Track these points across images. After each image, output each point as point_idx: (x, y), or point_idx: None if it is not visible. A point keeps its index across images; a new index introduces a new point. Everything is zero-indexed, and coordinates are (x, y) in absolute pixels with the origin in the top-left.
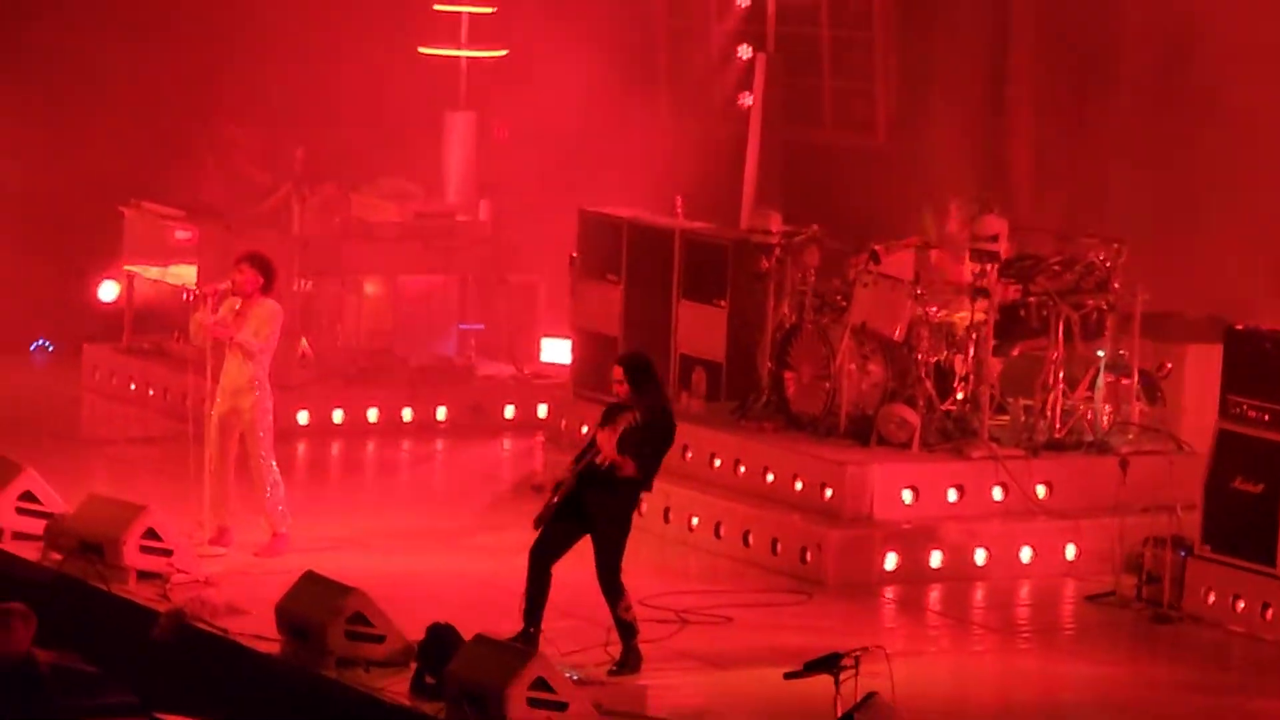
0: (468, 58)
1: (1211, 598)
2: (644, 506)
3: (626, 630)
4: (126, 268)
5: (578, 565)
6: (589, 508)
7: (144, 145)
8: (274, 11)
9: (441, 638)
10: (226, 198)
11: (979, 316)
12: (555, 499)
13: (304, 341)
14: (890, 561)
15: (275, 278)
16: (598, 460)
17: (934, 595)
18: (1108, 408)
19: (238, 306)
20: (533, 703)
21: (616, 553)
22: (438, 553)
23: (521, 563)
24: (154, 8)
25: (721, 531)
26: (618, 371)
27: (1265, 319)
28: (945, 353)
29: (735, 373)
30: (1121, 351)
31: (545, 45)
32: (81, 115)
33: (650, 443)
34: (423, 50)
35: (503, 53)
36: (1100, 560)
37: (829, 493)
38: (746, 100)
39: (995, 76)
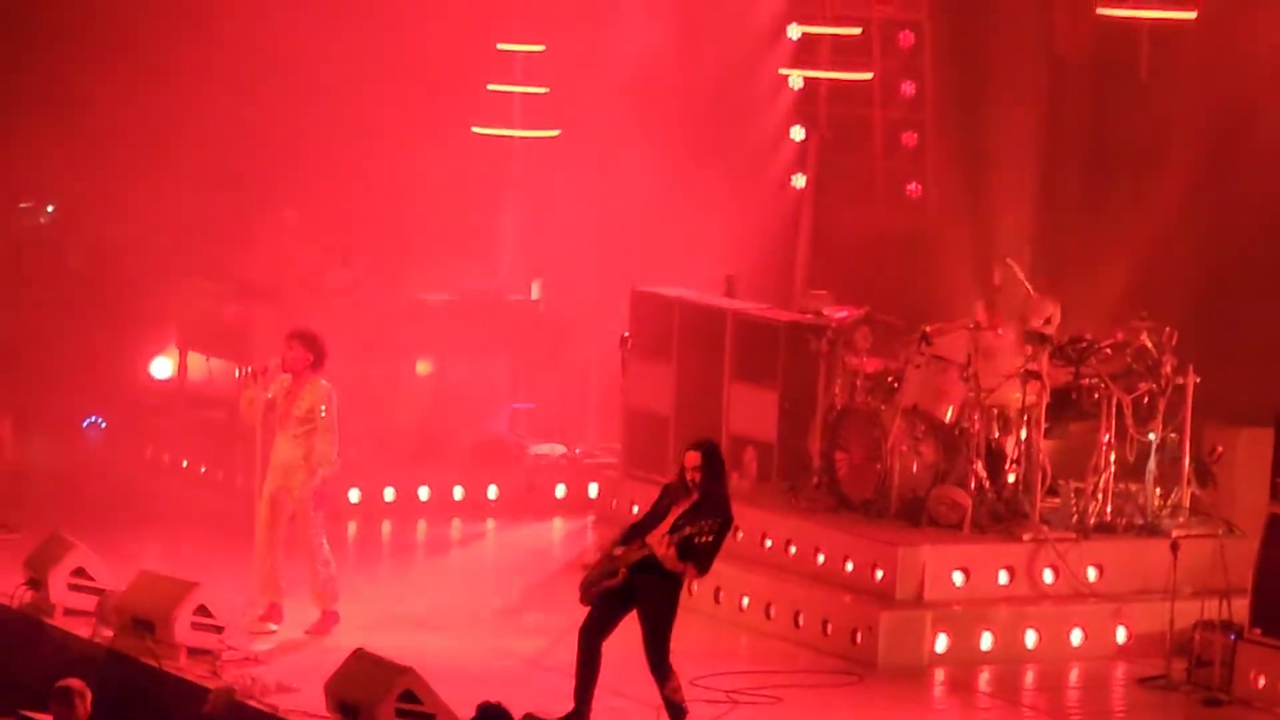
0: (521, 137)
1: (1261, 681)
2: (694, 587)
3: (675, 711)
4: (178, 345)
5: (629, 643)
6: (638, 589)
7: (199, 223)
8: (333, 90)
9: (491, 717)
10: (275, 278)
11: (1031, 399)
12: (604, 583)
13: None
14: (941, 643)
15: (325, 355)
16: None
17: (984, 677)
18: (1159, 491)
19: (288, 384)
20: None
21: (665, 634)
22: (488, 632)
23: (572, 643)
24: (217, 87)
25: (772, 612)
26: (695, 458)
27: None
28: (997, 435)
29: (786, 453)
30: (1173, 434)
31: (598, 125)
32: (139, 191)
33: (718, 539)
34: (476, 130)
35: (556, 133)
36: (1151, 643)
37: (880, 574)
38: (799, 181)
39: (1047, 158)
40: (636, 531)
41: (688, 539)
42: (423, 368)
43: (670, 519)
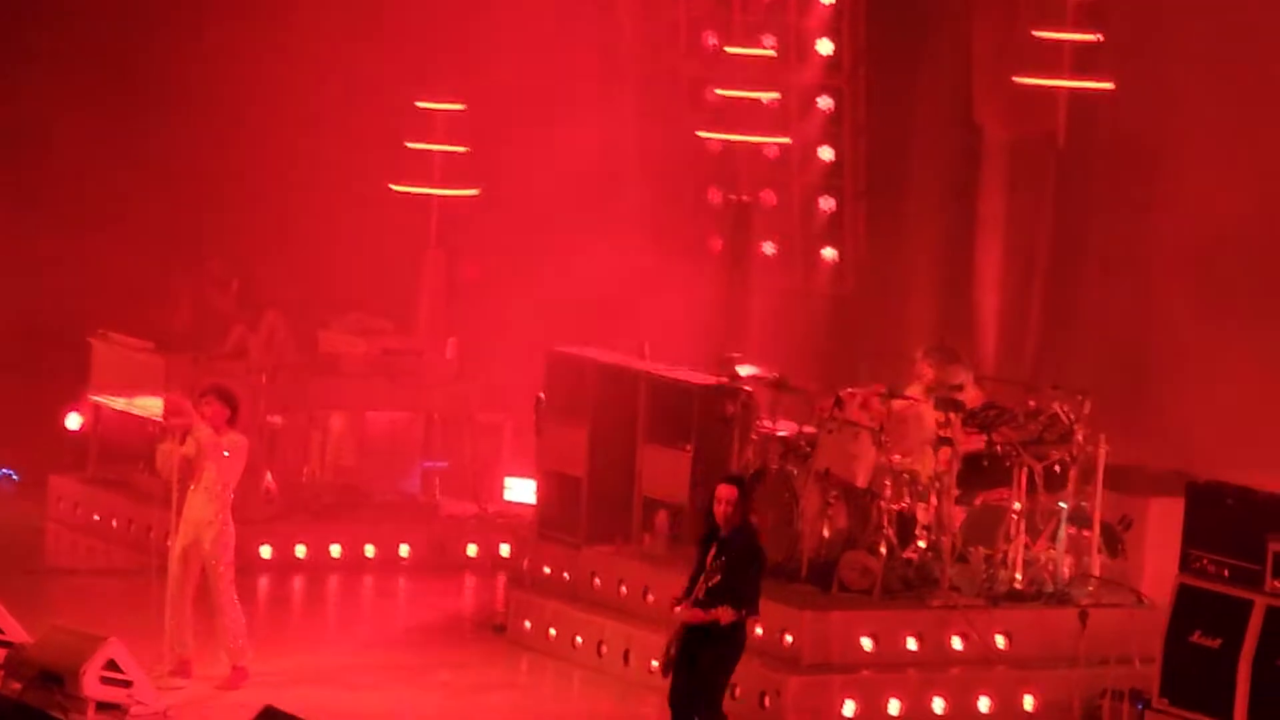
0: (440, 195)
1: None
2: (604, 649)
3: None
4: (93, 398)
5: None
6: (696, 650)
7: (114, 276)
8: (252, 147)
9: None
10: (196, 332)
11: (942, 465)
12: (672, 651)
13: (268, 476)
14: (849, 709)
15: (240, 410)
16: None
17: None
18: (1069, 559)
19: (202, 439)
20: None
21: (711, 691)
22: (398, 689)
23: (479, 702)
24: (134, 142)
25: None
26: (730, 491)
27: (1227, 474)
28: (908, 501)
29: (698, 515)
30: (1083, 503)
31: (518, 184)
32: (52, 245)
33: (757, 572)
34: (394, 188)
35: (474, 192)
36: (1059, 711)
37: (789, 638)
38: (717, 245)
39: (964, 226)
40: (690, 587)
41: (712, 590)
42: (337, 424)
43: (708, 565)
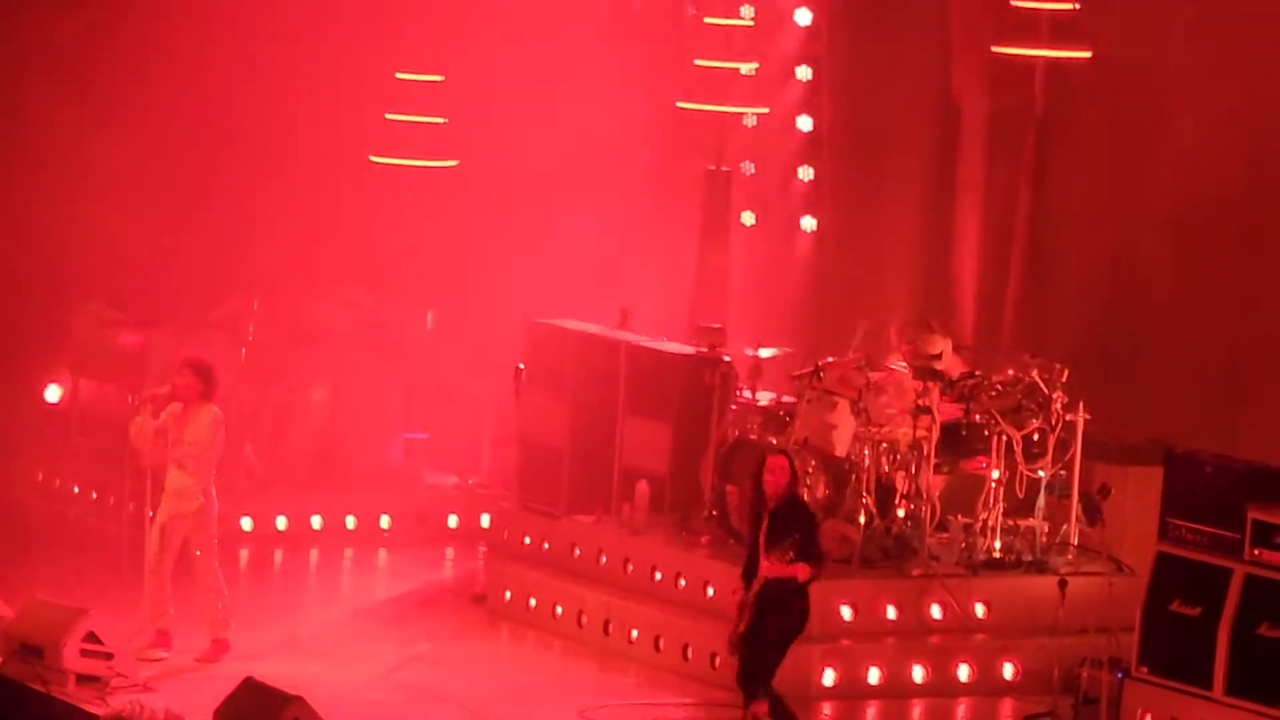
0: (418, 166)
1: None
2: (584, 619)
3: None
4: (72, 371)
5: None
6: (761, 623)
7: (96, 247)
8: (231, 120)
9: None
10: (172, 304)
11: (921, 434)
12: (739, 629)
13: (248, 448)
14: (828, 677)
15: (216, 384)
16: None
17: (871, 712)
18: (1047, 528)
19: (179, 411)
20: None
21: (769, 652)
22: (378, 661)
23: (464, 672)
24: (121, 114)
25: (661, 644)
26: (781, 461)
27: (1206, 442)
28: (887, 470)
29: (678, 486)
30: (1062, 472)
31: (496, 154)
32: (33, 215)
33: (808, 533)
34: (374, 159)
35: (453, 163)
36: (1038, 680)
37: None
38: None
39: (943, 195)
40: (748, 569)
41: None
42: (317, 395)
43: (761, 543)
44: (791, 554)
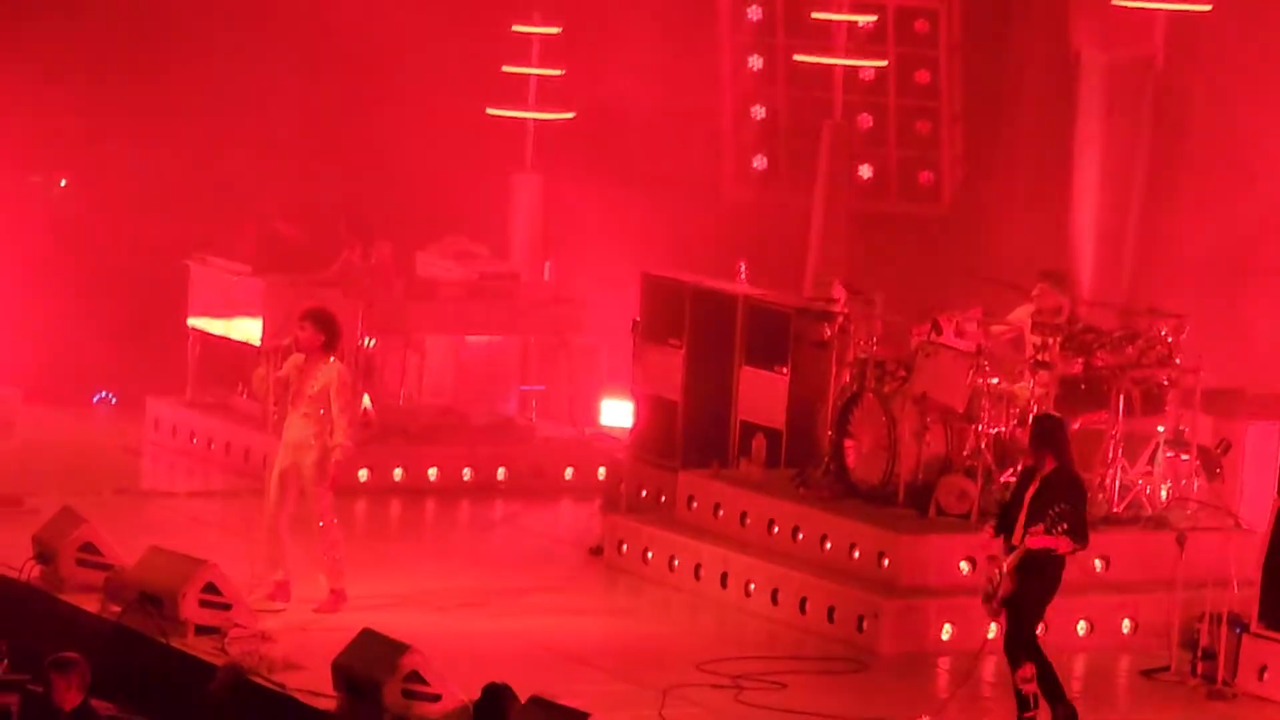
0: (535, 119)
1: (1266, 675)
2: (702, 572)
3: (1020, 702)
4: (191, 321)
5: (615, 630)
6: (1024, 588)
7: (212, 199)
8: (347, 74)
9: (497, 698)
10: (292, 255)
11: (1040, 389)
12: (999, 596)
13: (366, 399)
14: (945, 632)
15: (338, 336)
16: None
17: (989, 667)
18: (1167, 483)
19: (301, 363)
20: None
21: (1027, 621)
22: (495, 613)
23: (578, 624)
24: (230, 59)
25: (779, 598)
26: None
27: None
28: (1006, 424)
29: (795, 440)
30: (1181, 427)
31: (614, 107)
32: (150, 168)
33: (1077, 507)
34: (490, 111)
35: (570, 115)
36: (1156, 635)
37: (886, 562)
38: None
39: (1062, 147)
40: (1003, 523)
41: (1049, 527)
42: (433, 348)
43: (1025, 502)
44: (1062, 525)
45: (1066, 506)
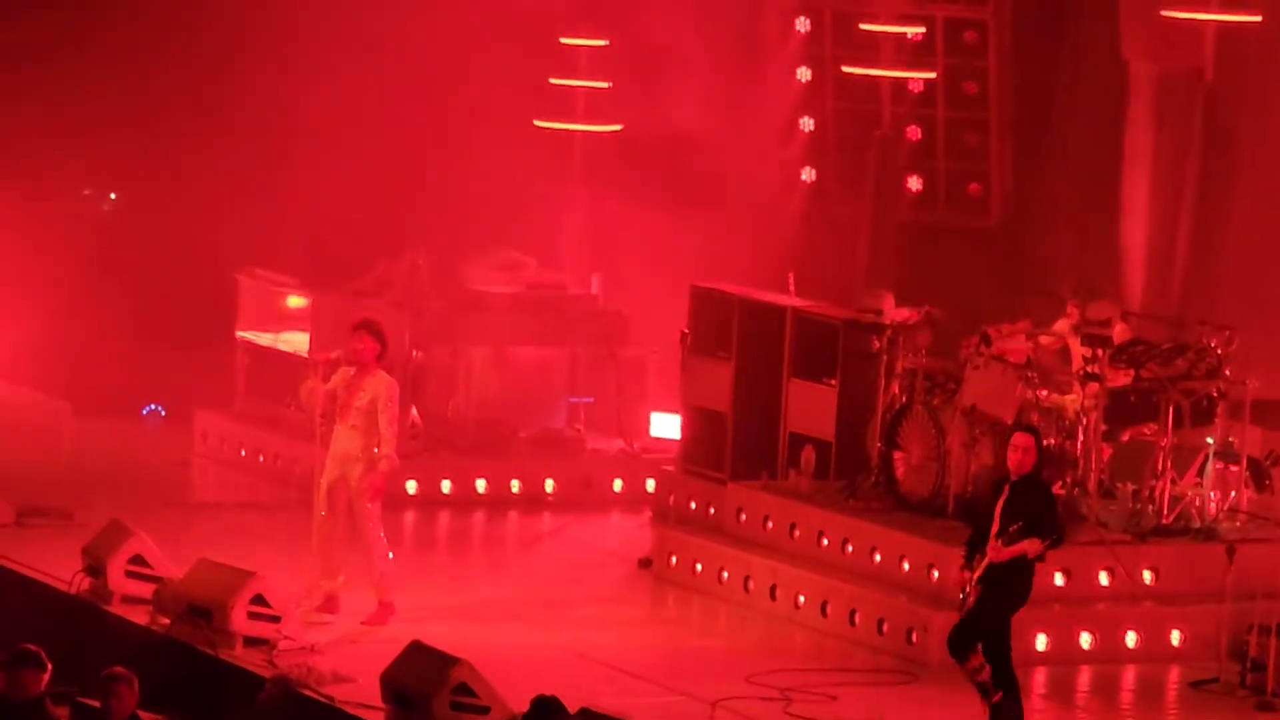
0: (582, 131)
1: None
2: (751, 584)
3: (981, 691)
4: (240, 334)
5: (674, 639)
6: (988, 593)
7: (260, 213)
8: (396, 86)
9: (546, 710)
10: (339, 269)
11: (1089, 401)
12: (970, 600)
13: (414, 411)
14: None
15: (389, 346)
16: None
17: (1038, 678)
18: (1216, 494)
19: (350, 375)
20: None
21: (991, 623)
22: (543, 625)
23: (626, 636)
24: (278, 76)
25: (828, 610)
26: (1026, 439)
27: None
28: (1055, 437)
29: (844, 452)
30: (1231, 439)
31: (661, 119)
32: (198, 182)
33: (1053, 506)
34: (538, 124)
35: (617, 127)
36: (1205, 646)
37: (936, 574)
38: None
39: (1112, 158)
40: (975, 540)
41: (1013, 535)
42: (481, 359)
43: (997, 514)
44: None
45: (1035, 515)
